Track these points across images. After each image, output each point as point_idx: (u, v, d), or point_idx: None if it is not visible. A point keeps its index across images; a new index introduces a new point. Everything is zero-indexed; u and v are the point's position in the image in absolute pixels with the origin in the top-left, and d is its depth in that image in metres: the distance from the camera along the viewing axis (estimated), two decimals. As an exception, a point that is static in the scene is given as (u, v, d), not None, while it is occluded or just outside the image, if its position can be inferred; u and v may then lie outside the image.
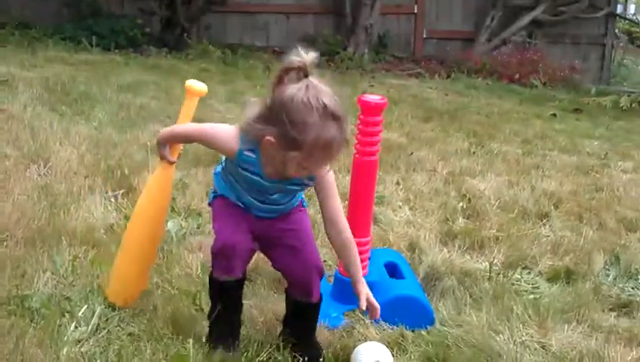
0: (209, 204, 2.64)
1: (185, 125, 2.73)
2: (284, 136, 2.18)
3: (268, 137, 2.21)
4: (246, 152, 2.33)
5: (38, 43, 9.54)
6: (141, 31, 10.55)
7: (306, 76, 2.22)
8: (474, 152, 5.86)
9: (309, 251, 2.54)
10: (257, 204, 2.47)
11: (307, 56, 2.23)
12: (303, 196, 2.63)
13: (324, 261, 3.44)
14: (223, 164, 2.53)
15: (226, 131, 2.40)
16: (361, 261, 2.98)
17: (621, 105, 9.62)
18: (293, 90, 2.18)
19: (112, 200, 3.85)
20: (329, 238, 2.52)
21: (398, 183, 4.73)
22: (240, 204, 2.49)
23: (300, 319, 2.60)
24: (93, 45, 9.78)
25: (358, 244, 2.89)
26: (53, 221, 3.43)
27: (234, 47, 10.87)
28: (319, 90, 2.19)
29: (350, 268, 2.51)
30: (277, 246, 2.54)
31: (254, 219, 2.49)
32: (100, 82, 7.05)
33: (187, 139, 2.72)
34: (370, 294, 2.50)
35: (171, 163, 2.72)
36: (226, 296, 2.50)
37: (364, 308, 2.45)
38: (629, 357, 2.77)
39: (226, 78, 8.44)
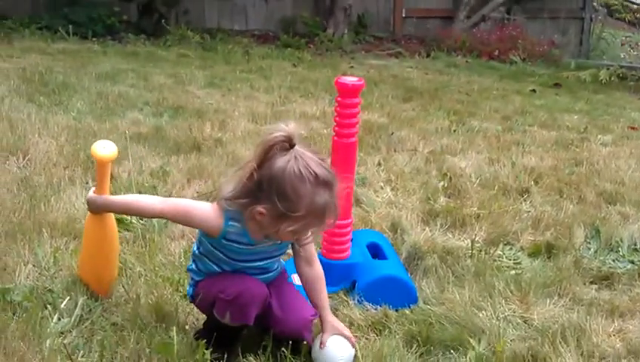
0: (191, 300, 2.50)
1: (145, 199, 2.52)
2: (277, 209, 2.16)
3: (259, 209, 2.18)
4: (231, 222, 2.28)
5: (15, 33, 9.44)
6: (119, 18, 10.46)
7: (292, 146, 2.19)
8: (454, 130, 5.87)
9: (301, 306, 2.48)
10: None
11: (290, 127, 2.19)
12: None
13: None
14: (197, 252, 2.43)
15: (205, 208, 2.33)
16: (343, 243, 3.02)
17: (600, 78, 9.68)
18: (283, 163, 2.16)
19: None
20: (299, 271, 2.51)
21: (379, 164, 4.74)
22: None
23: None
24: (70, 34, 9.69)
25: (340, 226, 2.91)
26: (33, 213, 3.41)
27: (212, 31, 10.79)
28: (307, 159, 2.17)
29: (319, 300, 2.50)
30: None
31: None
32: (77, 71, 7.00)
33: (152, 215, 2.69)
34: (339, 324, 2.51)
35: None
36: (230, 332, 2.43)
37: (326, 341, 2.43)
38: (611, 329, 2.80)
39: (205, 63, 8.40)
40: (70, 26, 9.86)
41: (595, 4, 13.85)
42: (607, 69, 10.07)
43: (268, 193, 2.16)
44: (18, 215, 3.38)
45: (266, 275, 2.44)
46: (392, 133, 5.52)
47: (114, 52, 8.94)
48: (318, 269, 2.51)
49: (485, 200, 4.13)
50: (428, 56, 11.02)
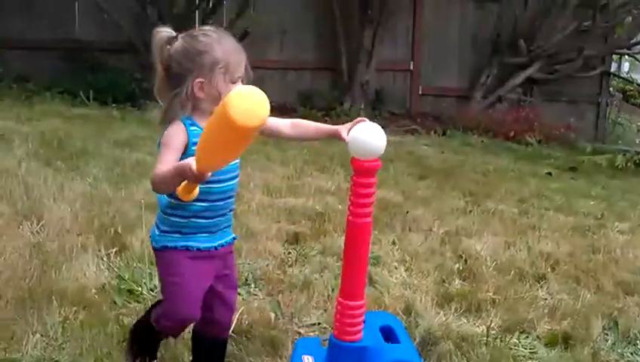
0: (159, 248, 2.54)
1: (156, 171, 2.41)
2: (202, 67, 2.38)
3: (196, 81, 2.39)
4: (192, 128, 2.41)
5: (36, 96, 9.58)
6: (139, 85, 10.60)
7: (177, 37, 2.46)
8: (470, 211, 5.84)
9: (234, 298, 2.73)
10: (216, 191, 2.48)
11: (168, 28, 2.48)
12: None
13: (318, 323, 3.42)
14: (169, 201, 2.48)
15: (172, 133, 2.41)
16: (356, 325, 2.96)
17: (617, 164, 9.66)
18: (177, 43, 2.43)
19: (105, 259, 3.81)
20: (286, 135, 2.74)
21: (393, 243, 4.70)
22: (200, 245, 2.51)
23: (212, 355, 2.76)
24: (90, 99, 9.82)
25: (353, 308, 2.86)
26: (44, 280, 3.39)
27: (231, 101, 10.87)
28: (191, 30, 2.47)
29: (316, 126, 2.75)
30: (221, 284, 2.63)
31: (212, 267, 2.56)
32: (96, 137, 7.05)
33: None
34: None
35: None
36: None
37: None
38: None
39: (222, 134, 8.45)
40: (91, 92, 9.99)
41: (611, 89, 13.94)
42: (624, 154, 10.07)
43: (188, 68, 2.39)
44: (29, 281, 3.36)
45: (232, 177, 2.54)
46: (407, 212, 5.48)
47: (133, 119, 9.02)
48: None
49: (501, 285, 4.07)
50: (444, 134, 11.06)
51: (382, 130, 2.54)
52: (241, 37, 10.88)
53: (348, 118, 10.85)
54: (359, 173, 2.77)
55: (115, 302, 3.33)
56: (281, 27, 12.13)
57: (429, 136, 10.85)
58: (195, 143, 2.32)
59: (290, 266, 4.08)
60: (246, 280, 3.80)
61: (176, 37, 2.44)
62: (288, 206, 5.22)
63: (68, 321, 3.02)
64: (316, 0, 12.14)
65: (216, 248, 2.55)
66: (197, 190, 2.26)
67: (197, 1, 10.66)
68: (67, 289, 3.32)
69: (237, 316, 3.30)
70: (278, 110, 10.90)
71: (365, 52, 11.90)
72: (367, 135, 2.53)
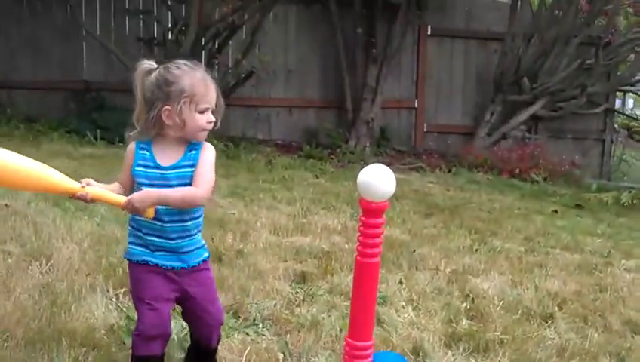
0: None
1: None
2: (169, 96, 2.61)
3: (164, 108, 2.62)
4: (141, 151, 2.71)
5: (43, 137, 9.64)
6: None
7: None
8: (476, 250, 5.84)
9: (214, 311, 2.88)
10: (163, 232, 2.71)
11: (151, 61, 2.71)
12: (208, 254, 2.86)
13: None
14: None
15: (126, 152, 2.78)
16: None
17: (622, 201, 9.67)
18: (154, 74, 2.66)
19: (113, 299, 3.82)
20: None
21: (400, 282, 4.70)
22: (146, 259, 2.73)
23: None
24: (97, 138, 9.88)
25: (361, 348, 2.86)
26: (53, 321, 3.40)
27: (236, 139, 10.98)
28: (165, 64, 2.68)
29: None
30: (188, 300, 2.82)
31: (166, 280, 2.74)
32: (103, 176, 7.00)
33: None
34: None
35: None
36: None
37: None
38: None
39: (228, 172, 8.49)
40: (98, 131, 10.05)
41: (616, 126, 14.00)
42: (630, 191, 10.08)
43: (157, 96, 2.63)
44: (38, 322, 3.37)
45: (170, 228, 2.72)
46: (414, 251, 5.50)
47: (139, 157, 9.03)
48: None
49: (509, 324, 4.07)
50: (449, 171, 11.09)
51: (392, 172, 2.57)
52: (247, 76, 11.04)
53: (353, 155, 10.98)
54: (368, 213, 2.80)
55: (124, 343, 3.33)
56: (286, 66, 12.26)
57: (435, 173, 10.88)
58: (138, 165, 2.71)
59: (297, 306, 4.09)
60: (254, 320, 3.80)
61: (156, 69, 2.68)
62: (295, 245, 5.24)
63: (77, 362, 3.03)
64: (321, 39, 12.26)
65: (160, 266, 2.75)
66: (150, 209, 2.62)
67: (203, 42, 10.77)
68: (76, 329, 3.34)
69: (245, 356, 3.31)
70: (283, 148, 11.04)
71: (370, 90, 11.99)
72: (377, 178, 2.56)
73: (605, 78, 12.88)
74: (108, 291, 3.90)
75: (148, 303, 2.72)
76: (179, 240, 2.73)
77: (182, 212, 2.70)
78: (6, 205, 5.32)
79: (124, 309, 3.69)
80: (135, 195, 2.62)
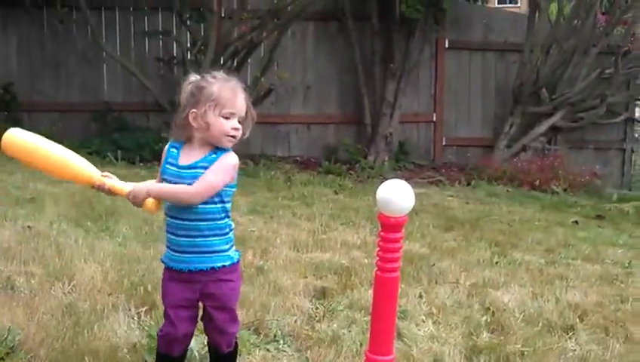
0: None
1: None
2: (197, 100, 2.79)
3: (191, 111, 2.78)
4: (172, 150, 2.89)
5: (65, 158, 9.72)
6: (165, 144, 10.74)
7: None
8: (497, 262, 5.84)
9: (220, 318, 2.92)
10: (174, 228, 2.86)
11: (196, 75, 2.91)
12: (238, 256, 2.96)
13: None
14: None
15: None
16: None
17: (643, 211, 9.61)
18: (191, 83, 2.86)
19: (135, 318, 3.87)
20: None
21: (420, 296, 4.71)
22: (166, 261, 2.92)
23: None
24: (118, 159, 9.98)
25: (382, 363, 2.88)
26: (76, 340, 3.45)
27: (255, 157, 11.05)
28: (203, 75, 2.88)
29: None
30: (205, 302, 2.93)
31: (181, 286, 2.88)
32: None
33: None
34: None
35: None
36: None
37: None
38: None
39: (248, 190, 8.53)
40: (119, 151, 10.17)
41: (636, 135, 13.91)
42: (650, 201, 10.02)
43: (188, 101, 2.82)
44: (62, 342, 3.41)
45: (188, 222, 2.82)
46: (434, 265, 5.50)
47: (160, 177, 9.11)
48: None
49: (529, 336, 4.07)
50: (468, 184, 11.06)
51: (410, 187, 2.61)
52: (266, 94, 11.09)
53: (372, 170, 10.99)
54: (387, 228, 2.83)
55: (146, 361, 3.38)
56: (305, 82, 12.32)
57: (454, 186, 10.86)
58: (168, 162, 2.86)
59: (318, 321, 4.11)
60: (274, 336, 3.83)
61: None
62: (315, 261, 5.27)
63: (100, 381, 3.07)
64: (338, 55, 12.32)
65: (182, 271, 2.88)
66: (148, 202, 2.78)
67: (222, 60, 10.86)
68: (99, 349, 3.38)
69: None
70: (302, 164, 11.08)
71: (388, 104, 12.02)
72: (396, 193, 2.59)
73: (625, 87, 12.81)
74: (130, 310, 3.95)
75: (166, 310, 2.93)
76: (184, 239, 2.84)
77: (182, 210, 2.81)
78: (29, 226, 5.39)
79: (146, 328, 3.73)
80: (135, 186, 2.83)
